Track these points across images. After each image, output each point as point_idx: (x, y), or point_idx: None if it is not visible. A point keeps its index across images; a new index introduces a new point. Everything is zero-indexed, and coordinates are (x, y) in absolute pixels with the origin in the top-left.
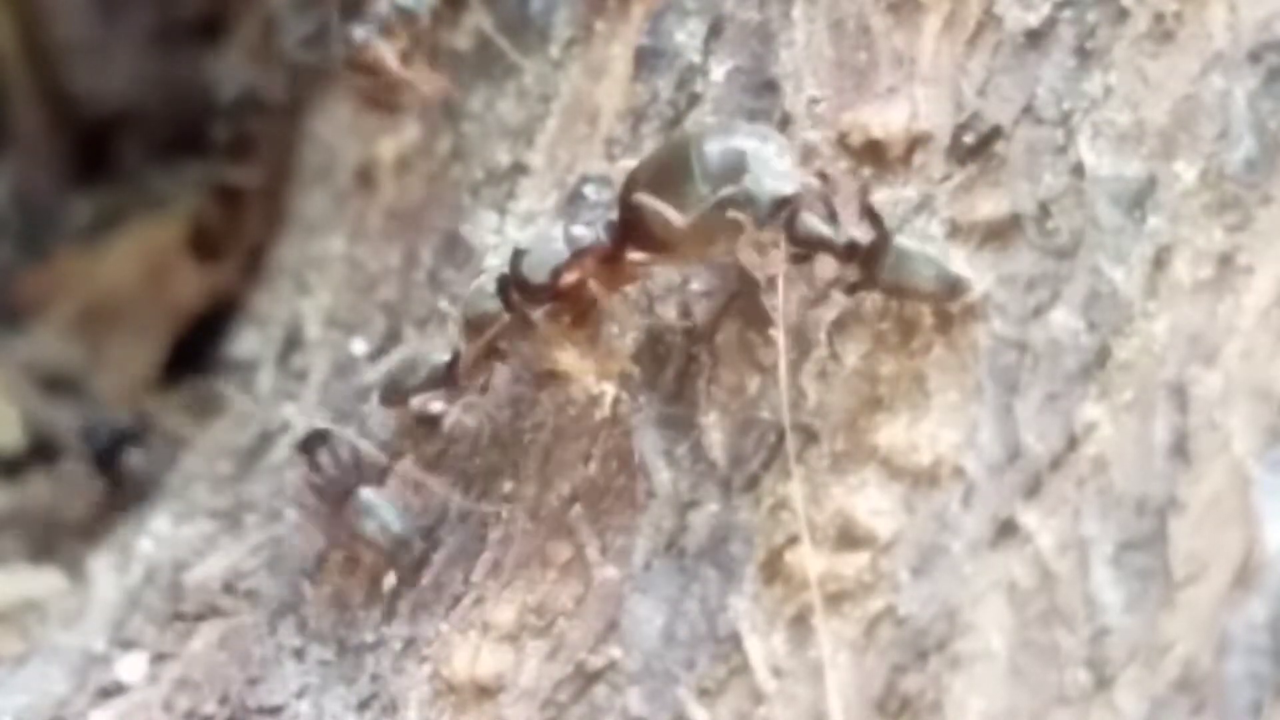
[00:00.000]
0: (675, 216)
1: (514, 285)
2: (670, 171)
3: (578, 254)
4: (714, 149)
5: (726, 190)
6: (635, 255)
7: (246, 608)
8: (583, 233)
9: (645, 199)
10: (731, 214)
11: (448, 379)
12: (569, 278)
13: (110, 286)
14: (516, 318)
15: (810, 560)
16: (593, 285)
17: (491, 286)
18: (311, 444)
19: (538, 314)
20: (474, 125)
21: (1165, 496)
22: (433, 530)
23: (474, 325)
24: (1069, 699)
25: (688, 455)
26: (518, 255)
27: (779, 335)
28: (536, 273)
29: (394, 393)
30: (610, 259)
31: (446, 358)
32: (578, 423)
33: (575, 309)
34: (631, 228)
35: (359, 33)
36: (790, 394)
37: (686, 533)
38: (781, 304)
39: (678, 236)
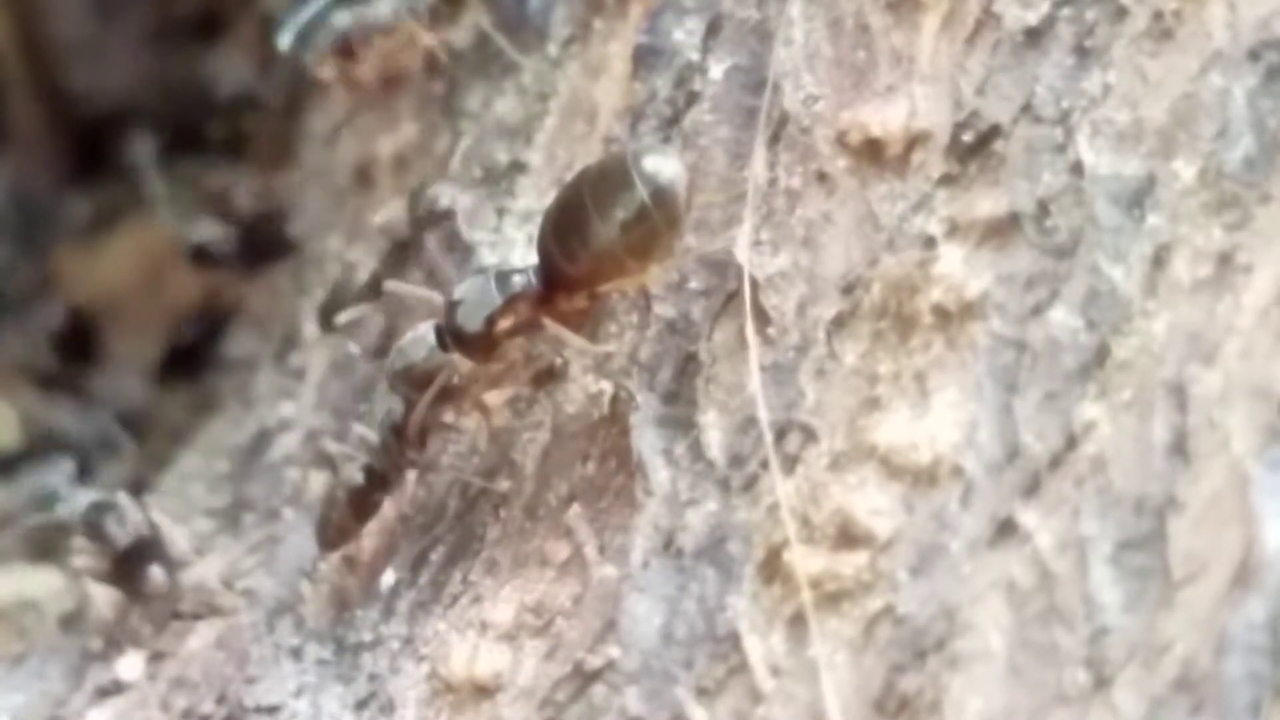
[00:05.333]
0: (580, 255)
1: (450, 336)
2: (572, 209)
3: (510, 300)
4: (600, 179)
5: (621, 212)
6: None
7: (244, 607)
8: (515, 279)
9: (550, 244)
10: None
11: (395, 445)
12: (504, 324)
13: (108, 285)
14: (454, 365)
15: (799, 559)
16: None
17: (431, 339)
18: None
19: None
20: (472, 124)
21: (1164, 496)
22: (431, 528)
23: (408, 378)
24: (1068, 698)
25: (686, 454)
26: (452, 306)
27: (749, 330)
28: (470, 322)
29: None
30: (544, 301)
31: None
32: (576, 422)
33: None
34: (550, 273)
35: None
36: (789, 393)
37: (685, 532)
38: (748, 295)
39: (584, 273)
